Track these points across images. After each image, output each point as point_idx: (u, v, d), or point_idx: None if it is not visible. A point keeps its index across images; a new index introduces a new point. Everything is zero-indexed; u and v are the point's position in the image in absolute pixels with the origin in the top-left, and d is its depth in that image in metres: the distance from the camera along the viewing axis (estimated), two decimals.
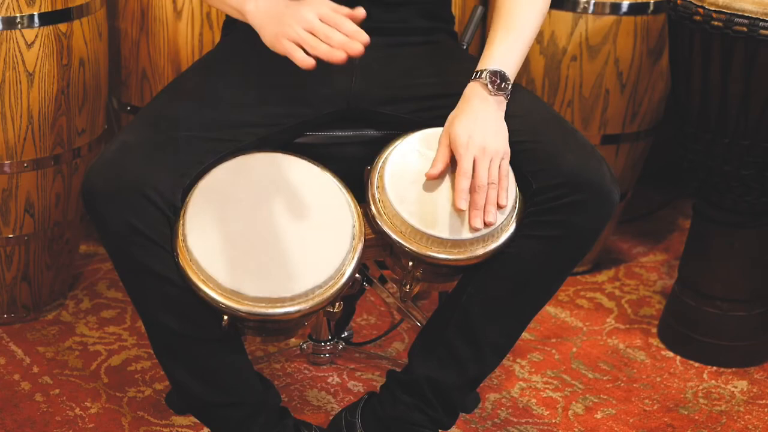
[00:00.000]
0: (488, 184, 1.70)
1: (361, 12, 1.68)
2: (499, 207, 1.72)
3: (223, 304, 1.65)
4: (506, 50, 1.79)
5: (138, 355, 2.31)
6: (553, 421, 2.17)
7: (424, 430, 1.85)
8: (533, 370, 2.33)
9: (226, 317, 1.67)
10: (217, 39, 2.38)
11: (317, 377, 2.27)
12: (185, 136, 1.71)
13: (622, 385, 2.30)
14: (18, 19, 2.12)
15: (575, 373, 2.33)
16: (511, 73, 1.78)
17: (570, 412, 2.20)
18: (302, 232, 1.70)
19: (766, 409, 2.25)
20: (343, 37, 1.64)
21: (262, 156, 1.78)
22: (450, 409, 1.87)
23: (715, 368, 2.37)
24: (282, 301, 1.65)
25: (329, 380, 2.26)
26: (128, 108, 2.56)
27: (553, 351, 2.41)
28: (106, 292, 2.55)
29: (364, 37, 1.65)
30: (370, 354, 2.35)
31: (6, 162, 2.21)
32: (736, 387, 2.32)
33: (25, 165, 2.23)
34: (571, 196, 1.70)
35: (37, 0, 2.13)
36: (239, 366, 1.79)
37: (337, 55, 1.63)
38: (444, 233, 1.71)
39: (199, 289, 1.65)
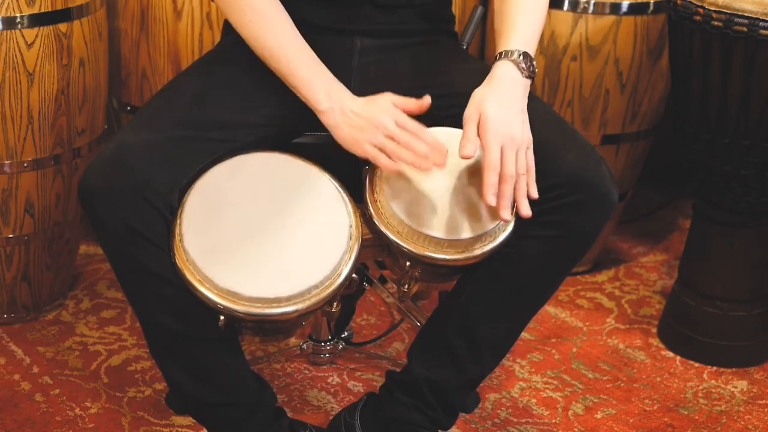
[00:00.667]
0: (517, 174, 1.68)
1: (427, 100, 1.73)
2: (530, 198, 1.68)
3: (219, 304, 1.65)
4: (529, 33, 1.77)
5: (138, 355, 2.31)
6: (553, 421, 2.17)
7: (423, 430, 1.85)
8: (533, 370, 2.33)
9: (222, 317, 1.67)
10: (217, 39, 2.37)
11: (317, 377, 2.27)
12: (183, 136, 1.71)
13: (622, 385, 2.30)
14: (18, 19, 2.12)
15: (575, 373, 2.33)
16: (532, 55, 1.76)
17: (570, 412, 2.20)
18: (299, 232, 1.70)
19: (766, 409, 2.25)
20: (426, 148, 1.69)
21: (259, 156, 1.78)
22: (449, 409, 1.87)
23: (715, 368, 2.37)
24: (278, 301, 1.65)
25: (329, 380, 2.26)
26: (128, 108, 2.56)
27: (553, 351, 2.41)
28: (106, 292, 2.55)
29: (444, 148, 1.70)
30: (370, 354, 2.35)
31: (6, 162, 2.21)
32: (736, 387, 2.32)
33: (25, 165, 2.23)
34: (571, 196, 1.70)
35: (37, 0, 2.13)
36: (236, 366, 1.79)
37: (425, 165, 1.68)
38: (441, 233, 1.71)
39: (196, 289, 1.65)
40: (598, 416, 2.19)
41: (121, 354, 2.31)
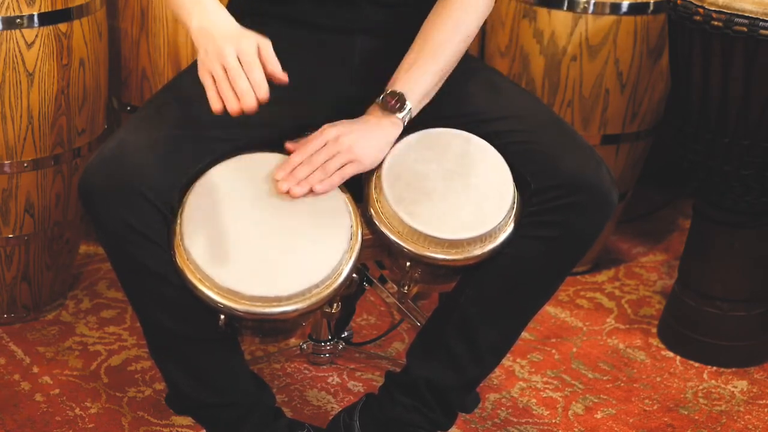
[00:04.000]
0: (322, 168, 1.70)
1: (284, 77, 1.64)
2: (312, 191, 1.70)
3: (220, 303, 1.65)
4: (415, 74, 1.77)
5: (138, 355, 2.31)
6: (553, 421, 2.17)
7: (421, 431, 1.85)
8: (533, 370, 2.33)
9: (222, 316, 1.67)
10: None
11: (317, 377, 2.27)
12: (183, 135, 1.71)
13: (622, 385, 2.30)
14: (18, 19, 2.12)
15: (575, 373, 2.33)
16: (415, 97, 1.77)
17: (570, 412, 2.20)
18: (300, 232, 1.70)
19: (766, 409, 2.25)
20: (247, 85, 1.60)
21: (260, 156, 1.78)
22: (448, 410, 1.87)
23: (715, 368, 2.37)
24: (278, 300, 1.65)
25: (329, 380, 2.26)
26: (128, 108, 2.56)
27: (553, 351, 2.41)
28: (106, 292, 2.55)
29: (263, 93, 1.61)
30: (370, 354, 2.35)
31: (6, 162, 2.21)
32: (736, 387, 2.32)
33: (25, 165, 2.23)
34: (570, 197, 1.70)
35: (37, 0, 2.13)
36: (234, 367, 1.79)
37: (233, 103, 1.60)
38: (441, 233, 1.71)
39: (196, 288, 1.65)
40: (598, 416, 2.19)
41: (121, 354, 2.31)
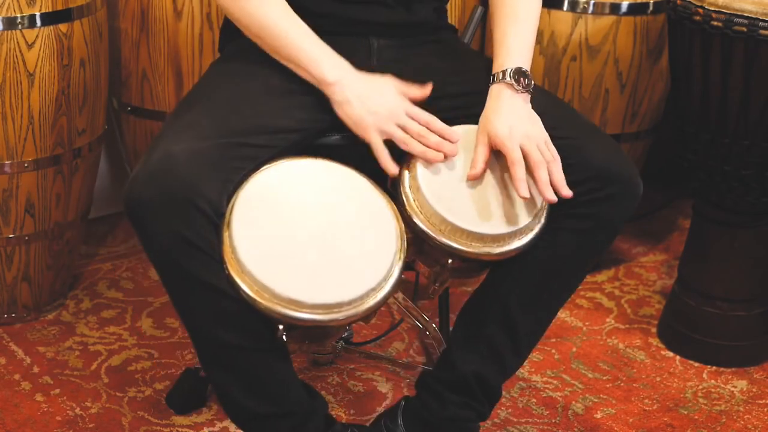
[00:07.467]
0: (546, 161, 1.73)
1: (429, 88, 1.78)
2: (560, 192, 1.73)
3: (280, 313, 1.61)
4: (520, 45, 1.82)
5: (138, 355, 2.31)
6: (553, 421, 2.17)
7: (471, 424, 1.88)
8: (533, 370, 2.33)
9: (281, 326, 1.64)
10: (217, 39, 2.37)
11: (317, 377, 2.27)
12: (228, 143, 1.67)
13: (622, 384, 2.30)
14: (18, 20, 2.12)
15: (575, 373, 2.33)
16: (529, 68, 1.82)
17: (570, 412, 2.20)
18: (349, 235, 1.69)
19: (766, 409, 2.25)
20: (438, 139, 1.73)
21: (302, 161, 1.75)
22: (493, 400, 1.89)
23: (714, 368, 2.37)
24: (339, 306, 1.63)
25: (329, 380, 2.26)
26: (128, 108, 2.57)
27: (553, 351, 2.41)
28: (106, 292, 2.55)
29: (455, 136, 1.74)
30: (370, 354, 2.35)
31: (6, 162, 2.21)
32: (735, 387, 2.32)
33: (26, 165, 2.23)
34: (604, 189, 1.75)
35: (38, 0, 2.13)
36: (287, 376, 1.75)
37: (435, 155, 1.72)
38: (485, 229, 1.72)
39: (255, 301, 1.61)
40: (598, 416, 2.20)
41: (121, 354, 2.31)
